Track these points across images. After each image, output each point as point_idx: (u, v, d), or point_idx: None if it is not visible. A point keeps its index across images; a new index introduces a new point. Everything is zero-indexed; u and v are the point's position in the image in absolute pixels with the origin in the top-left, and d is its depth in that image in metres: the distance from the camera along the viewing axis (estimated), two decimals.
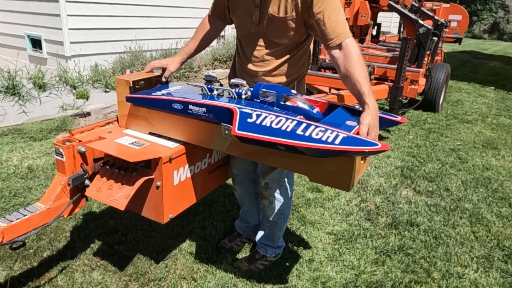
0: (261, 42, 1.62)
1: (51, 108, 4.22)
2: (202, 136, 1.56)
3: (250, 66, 1.68)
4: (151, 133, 1.69)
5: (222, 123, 1.43)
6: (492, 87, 7.21)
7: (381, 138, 4.06)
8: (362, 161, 1.41)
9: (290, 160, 1.43)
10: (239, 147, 1.47)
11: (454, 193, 2.96)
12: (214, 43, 7.31)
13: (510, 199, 2.91)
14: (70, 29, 5.09)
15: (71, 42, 5.16)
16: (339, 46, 1.45)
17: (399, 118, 1.51)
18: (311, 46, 1.79)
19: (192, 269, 1.98)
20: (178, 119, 1.57)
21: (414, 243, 2.31)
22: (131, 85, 1.67)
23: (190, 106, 1.50)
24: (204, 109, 1.47)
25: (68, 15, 5.03)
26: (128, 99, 1.67)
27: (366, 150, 1.15)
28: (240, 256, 2.13)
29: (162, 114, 1.61)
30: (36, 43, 5.58)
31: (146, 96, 1.63)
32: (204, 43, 1.84)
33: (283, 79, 1.67)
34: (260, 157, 1.50)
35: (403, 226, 2.48)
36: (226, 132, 1.43)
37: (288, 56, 1.64)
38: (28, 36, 5.59)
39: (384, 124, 1.48)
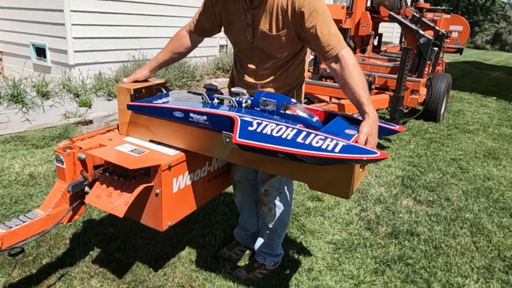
0: (257, 56, 1.65)
1: (54, 116, 4.25)
2: (202, 143, 1.57)
3: (248, 78, 1.70)
4: (151, 141, 1.70)
5: (223, 131, 1.44)
6: (494, 97, 7.22)
7: (382, 147, 4.06)
8: (360, 169, 1.42)
9: (290, 168, 1.43)
10: (240, 155, 1.48)
11: (455, 203, 2.95)
12: (216, 52, 7.37)
13: (511, 209, 2.90)
14: (74, 38, 5.15)
15: (75, 51, 5.22)
16: (335, 58, 1.47)
17: (397, 127, 1.52)
18: (311, 56, 1.82)
19: (190, 278, 1.98)
20: (179, 127, 1.59)
21: (414, 253, 2.29)
22: (132, 93, 1.69)
23: (191, 114, 1.51)
24: (205, 117, 1.48)
25: (73, 24, 5.09)
26: (129, 107, 1.69)
27: (364, 158, 1.16)
28: (239, 264, 2.12)
29: (163, 122, 1.62)
30: (40, 52, 5.64)
31: (147, 104, 1.65)
32: (178, 56, 1.84)
33: (282, 89, 1.69)
34: (260, 165, 1.51)
35: (403, 235, 2.47)
36: (227, 140, 1.44)
37: (285, 67, 1.67)
38: (33, 44, 5.66)
39: (383, 133, 1.50)
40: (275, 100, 1.46)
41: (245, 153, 1.41)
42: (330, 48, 1.46)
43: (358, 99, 1.39)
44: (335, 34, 1.47)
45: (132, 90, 1.69)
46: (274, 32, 1.54)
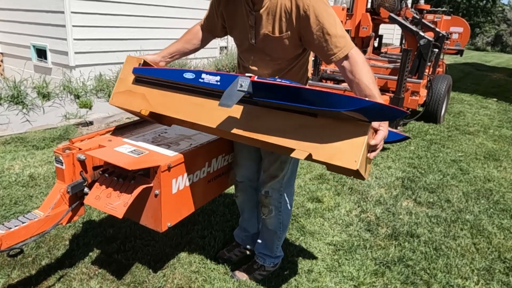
0: (260, 58, 1.65)
1: (54, 117, 4.26)
2: (204, 113, 1.50)
3: None
4: (153, 142, 1.70)
5: (240, 76, 1.37)
6: (494, 99, 7.21)
7: (382, 148, 4.05)
8: (368, 154, 1.36)
9: (296, 135, 1.36)
10: (243, 122, 1.43)
11: (455, 205, 2.95)
12: (217, 53, 7.38)
13: (511, 211, 2.89)
14: (75, 39, 5.16)
15: (76, 52, 5.23)
16: (344, 58, 1.47)
17: (406, 135, 1.53)
18: (311, 58, 1.81)
19: (190, 279, 1.98)
20: (179, 97, 1.55)
21: (414, 255, 2.29)
22: (142, 62, 1.66)
23: (203, 75, 1.48)
24: (217, 78, 1.45)
25: (73, 26, 5.10)
26: (135, 70, 1.64)
27: (392, 107, 1.20)
28: (239, 266, 2.11)
29: (163, 92, 1.59)
30: (41, 53, 5.65)
31: (155, 67, 1.63)
32: (191, 47, 1.82)
33: None
34: (264, 133, 1.41)
35: (403, 237, 2.47)
36: (242, 84, 1.33)
37: (287, 68, 1.66)
38: (34, 46, 5.67)
39: (393, 137, 1.50)
40: (288, 82, 1.45)
41: (248, 120, 1.38)
42: (338, 49, 1.45)
43: (369, 93, 1.40)
44: (342, 35, 1.46)
45: (142, 60, 1.66)
46: (276, 34, 1.54)
